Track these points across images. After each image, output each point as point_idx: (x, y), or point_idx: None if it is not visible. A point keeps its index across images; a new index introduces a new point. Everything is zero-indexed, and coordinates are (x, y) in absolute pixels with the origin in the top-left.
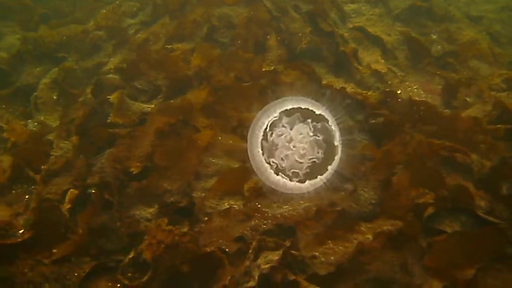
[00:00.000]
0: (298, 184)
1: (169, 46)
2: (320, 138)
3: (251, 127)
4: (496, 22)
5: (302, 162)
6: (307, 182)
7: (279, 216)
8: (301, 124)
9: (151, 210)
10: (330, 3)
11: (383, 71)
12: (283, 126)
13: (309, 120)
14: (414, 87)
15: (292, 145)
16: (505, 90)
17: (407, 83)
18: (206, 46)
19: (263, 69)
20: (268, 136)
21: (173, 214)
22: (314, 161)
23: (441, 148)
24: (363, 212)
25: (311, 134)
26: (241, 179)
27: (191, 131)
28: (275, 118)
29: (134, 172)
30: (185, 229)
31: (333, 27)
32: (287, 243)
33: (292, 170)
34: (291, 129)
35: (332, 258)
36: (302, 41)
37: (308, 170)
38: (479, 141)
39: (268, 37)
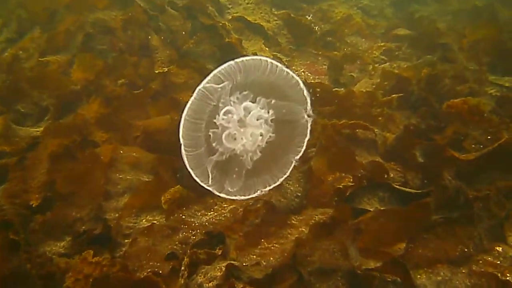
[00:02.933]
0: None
1: (43, 59)
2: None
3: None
4: None
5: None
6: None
7: (206, 224)
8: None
9: (63, 243)
10: None
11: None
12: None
13: (261, 97)
14: (301, 70)
15: (245, 130)
16: (386, 61)
17: (293, 68)
18: (87, 56)
19: (156, 71)
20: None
21: (89, 244)
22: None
23: (344, 127)
24: (291, 205)
25: (265, 113)
26: (156, 192)
27: (90, 148)
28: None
29: (33, 205)
30: (111, 257)
31: (214, 20)
32: (219, 252)
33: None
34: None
35: (271, 258)
36: (187, 38)
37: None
38: (376, 115)
39: (150, 37)
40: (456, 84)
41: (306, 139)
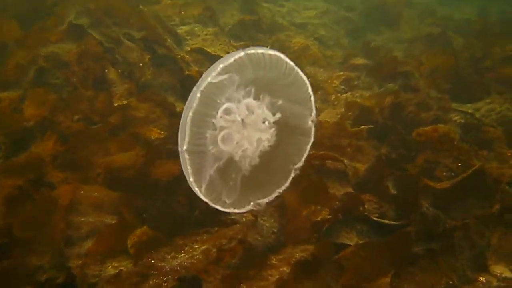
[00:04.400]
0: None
1: None
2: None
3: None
4: (320, 27)
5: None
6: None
7: (178, 268)
8: (252, 99)
9: None
10: (162, 28)
11: None
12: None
13: (264, 95)
14: None
15: (248, 134)
16: (346, 91)
17: None
18: (40, 91)
19: (115, 104)
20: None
21: None
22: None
23: (313, 159)
24: (268, 243)
25: (271, 115)
26: (121, 235)
27: (47, 189)
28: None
29: None
30: None
31: (172, 52)
32: None
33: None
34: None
35: None
36: (145, 71)
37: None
38: (345, 145)
39: (106, 70)
40: (421, 112)
41: (308, 146)
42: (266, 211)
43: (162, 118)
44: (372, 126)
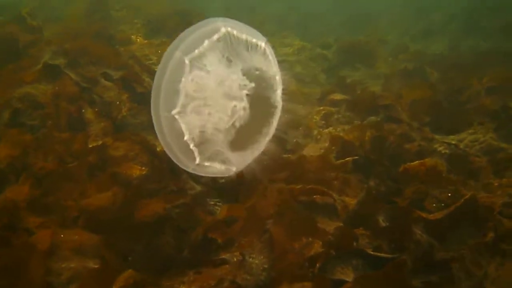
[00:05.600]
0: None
1: None
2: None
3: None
4: (296, 64)
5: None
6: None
7: None
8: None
9: None
10: (139, 67)
11: None
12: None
13: (238, 62)
14: None
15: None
16: (328, 126)
17: None
18: (14, 132)
19: (90, 145)
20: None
21: None
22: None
23: (301, 193)
24: (260, 281)
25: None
26: (106, 280)
27: (23, 235)
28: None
29: None
30: None
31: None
32: None
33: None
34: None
35: None
36: (121, 108)
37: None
38: (331, 179)
39: (83, 110)
40: (405, 143)
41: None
42: (254, 248)
43: (141, 155)
44: (357, 157)
